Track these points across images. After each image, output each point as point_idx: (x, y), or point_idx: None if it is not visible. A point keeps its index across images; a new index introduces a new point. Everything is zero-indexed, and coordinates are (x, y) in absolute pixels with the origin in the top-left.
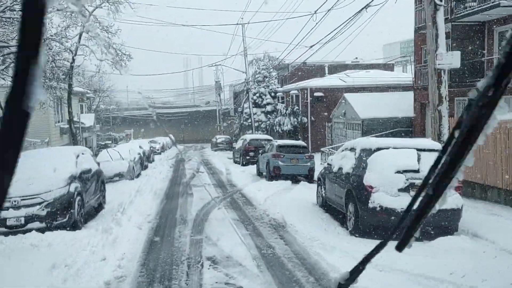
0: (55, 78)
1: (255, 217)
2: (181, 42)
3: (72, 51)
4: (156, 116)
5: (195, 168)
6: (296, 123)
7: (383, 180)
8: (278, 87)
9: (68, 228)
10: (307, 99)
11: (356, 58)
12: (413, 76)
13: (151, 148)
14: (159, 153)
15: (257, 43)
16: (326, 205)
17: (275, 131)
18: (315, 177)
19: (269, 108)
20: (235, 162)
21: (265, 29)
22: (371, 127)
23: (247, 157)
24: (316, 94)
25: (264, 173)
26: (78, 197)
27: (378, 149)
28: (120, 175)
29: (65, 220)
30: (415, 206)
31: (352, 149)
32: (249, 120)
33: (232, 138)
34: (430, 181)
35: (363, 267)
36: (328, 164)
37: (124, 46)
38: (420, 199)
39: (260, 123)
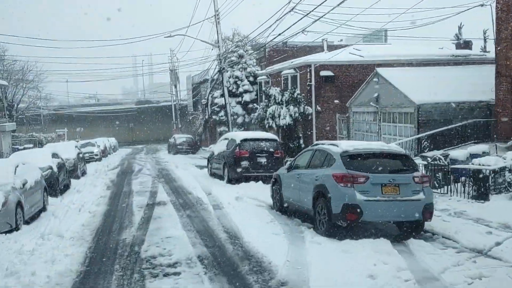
0: None
1: None
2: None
3: None
4: (99, 113)
5: (149, 191)
6: (297, 114)
7: None
8: (258, 70)
9: None
10: (310, 82)
11: (341, 40)
12: (495, 37)
13: (80, 155)
14: (99, 159)
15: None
16: None
17: (266, 126)
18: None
19: (247, 97)
20: (213, 175)
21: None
22: (431, 117)
23: (239, 170)
24: (323, 73)
25: (289, 207)
26: None
27: None
28: None
29: None
30: None
31: None
32: (220, 114)
33: (196, 138)
34: None
35: None
36: None
37: None
38: None
39: (236, 117)
